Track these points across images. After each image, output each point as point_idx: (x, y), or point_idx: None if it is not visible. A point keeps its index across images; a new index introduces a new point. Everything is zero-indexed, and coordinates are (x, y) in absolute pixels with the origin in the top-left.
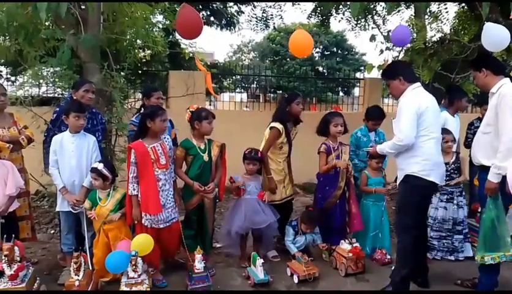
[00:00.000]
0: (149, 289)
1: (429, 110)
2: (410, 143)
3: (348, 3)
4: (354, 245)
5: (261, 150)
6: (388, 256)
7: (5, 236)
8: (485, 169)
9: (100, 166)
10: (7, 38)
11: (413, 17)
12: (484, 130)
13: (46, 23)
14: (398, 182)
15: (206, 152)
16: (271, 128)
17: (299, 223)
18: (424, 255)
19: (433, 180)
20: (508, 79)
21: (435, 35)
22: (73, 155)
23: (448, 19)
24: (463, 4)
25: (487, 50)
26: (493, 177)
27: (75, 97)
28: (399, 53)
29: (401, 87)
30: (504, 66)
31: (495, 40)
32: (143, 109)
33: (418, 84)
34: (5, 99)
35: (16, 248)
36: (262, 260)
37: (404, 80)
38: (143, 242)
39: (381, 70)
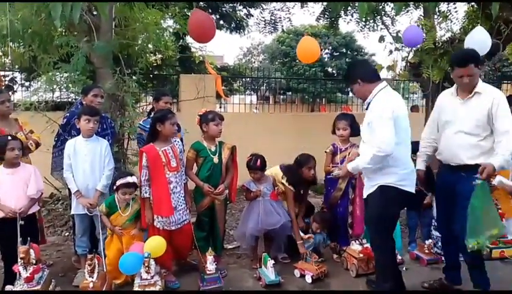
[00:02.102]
0: (161, 290)
1: (400, 117)
2: (391, 152)
3: (356, 5)
4: (365, 246)
5: (288, 210)
6: (399, 257)
7: (20, 238)
8: (466, 169)
9: (134, 178)
10: (22, 45)
11: (422, 17)
12: (470, 132)
13: (59, 30)
14: (368, 193)
15: (217, 155)
16: (285, 187)
17: (311, 222)
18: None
19: (409, 190)
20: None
21: (444, 34)
22: (86, 159)
23: (457, 19)
24: (473, 3)
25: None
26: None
27: (84, 102)
28: (408, 53)
29: (362, 90)
30: None
31: (475, 45)
32: (152, 113)
33: (384, 84)
34: (10, 105)
35: (31, 251)
36: (273, 261)
37: (363, 81)
38: (156, 244)
39: (390, 71)
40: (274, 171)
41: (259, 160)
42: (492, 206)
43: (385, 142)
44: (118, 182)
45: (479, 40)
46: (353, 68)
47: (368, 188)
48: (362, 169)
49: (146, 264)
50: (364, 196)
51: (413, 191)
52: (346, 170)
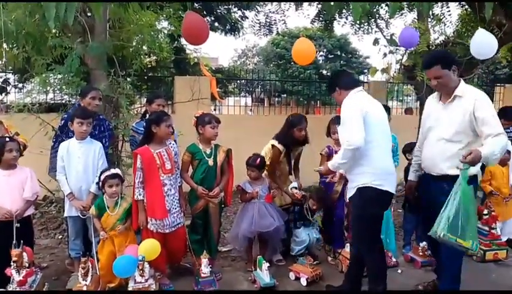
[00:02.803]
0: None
1: (370, 115)
2: (361, 144)
3: (351, 7)
4: None
5: (266, 172)
6: (394, 259)
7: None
8: (448, 179)
9: (117, 170)
10: (15, 46)
11: (416, 20)
12: (451, 138)
13: (53, 31)
14: (349, 196)
15: (212, 157)
16: (272, 146)
17: (307, 199)
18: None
19: (388, 189)
20: (462, 80)
21: (438, 38)
22: (79, 161)
23: (451, 22)
24: (467, 7)
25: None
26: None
27: (82, 104)
28: (402, 56)
29: (340, 97)
30: None
31: (482, 48)
32: (147, 115)
33: (359, 89)
34: None
35: (24, 254)
36: (268, 264)
37: (340, 89)
38: (150, 247)
39: (384, 73)
40: (266, 148)
41: (259, 159)
42: (475, 213)
43: (352, 136)
44: (103, 176)
45: (484, 42)
46: (332, 78)
47: (349, 191)
48: (339, 166)
49: (140, 267)
50: (347, 200)
51: (393, 191)
52: (327, 167)
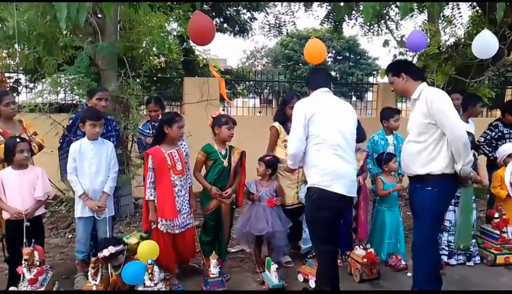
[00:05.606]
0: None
1: (317, 118)
2: (297, 150)
3: (361, 9)
4: (368, 250)
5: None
6: (403, 262)
7: (33, 240)
8: (420, 179)
9: (122, 247)
10: (27, 46)
11: (426, 22)
12: (416, 140)
13: (64, 32)
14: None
15: (226, 158)
16: (270, 128)
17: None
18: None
19: (336, 191)
20: (425, 83)
21: (449, 39)
22: (93, 162)
23: (462, 24)
24: (478, 8)
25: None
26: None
27: (89, 105)
28: (412, 58)
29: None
30: (423, 71)
31: (483, 47)
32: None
33: (324, 89)
34: (14, 107)
35: (35, 252)
36: (276, 265)
37: (309, 89)
38: (148, 250)
39: None
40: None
41: (271, 157)
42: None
43: (290, 143)
44: (107, 253)
45: (485, 43)
46: (306, 77)
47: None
48: (290, 167)
49: (150, 271)
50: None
51: (345, 193)
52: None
